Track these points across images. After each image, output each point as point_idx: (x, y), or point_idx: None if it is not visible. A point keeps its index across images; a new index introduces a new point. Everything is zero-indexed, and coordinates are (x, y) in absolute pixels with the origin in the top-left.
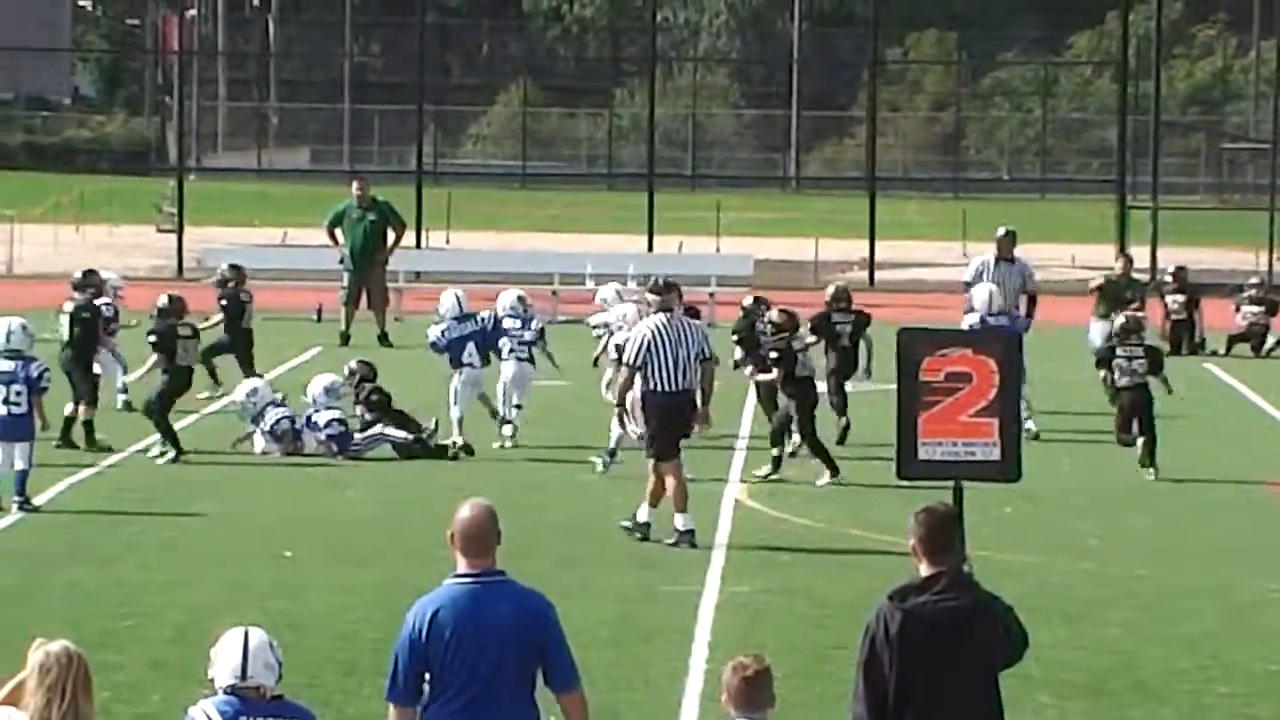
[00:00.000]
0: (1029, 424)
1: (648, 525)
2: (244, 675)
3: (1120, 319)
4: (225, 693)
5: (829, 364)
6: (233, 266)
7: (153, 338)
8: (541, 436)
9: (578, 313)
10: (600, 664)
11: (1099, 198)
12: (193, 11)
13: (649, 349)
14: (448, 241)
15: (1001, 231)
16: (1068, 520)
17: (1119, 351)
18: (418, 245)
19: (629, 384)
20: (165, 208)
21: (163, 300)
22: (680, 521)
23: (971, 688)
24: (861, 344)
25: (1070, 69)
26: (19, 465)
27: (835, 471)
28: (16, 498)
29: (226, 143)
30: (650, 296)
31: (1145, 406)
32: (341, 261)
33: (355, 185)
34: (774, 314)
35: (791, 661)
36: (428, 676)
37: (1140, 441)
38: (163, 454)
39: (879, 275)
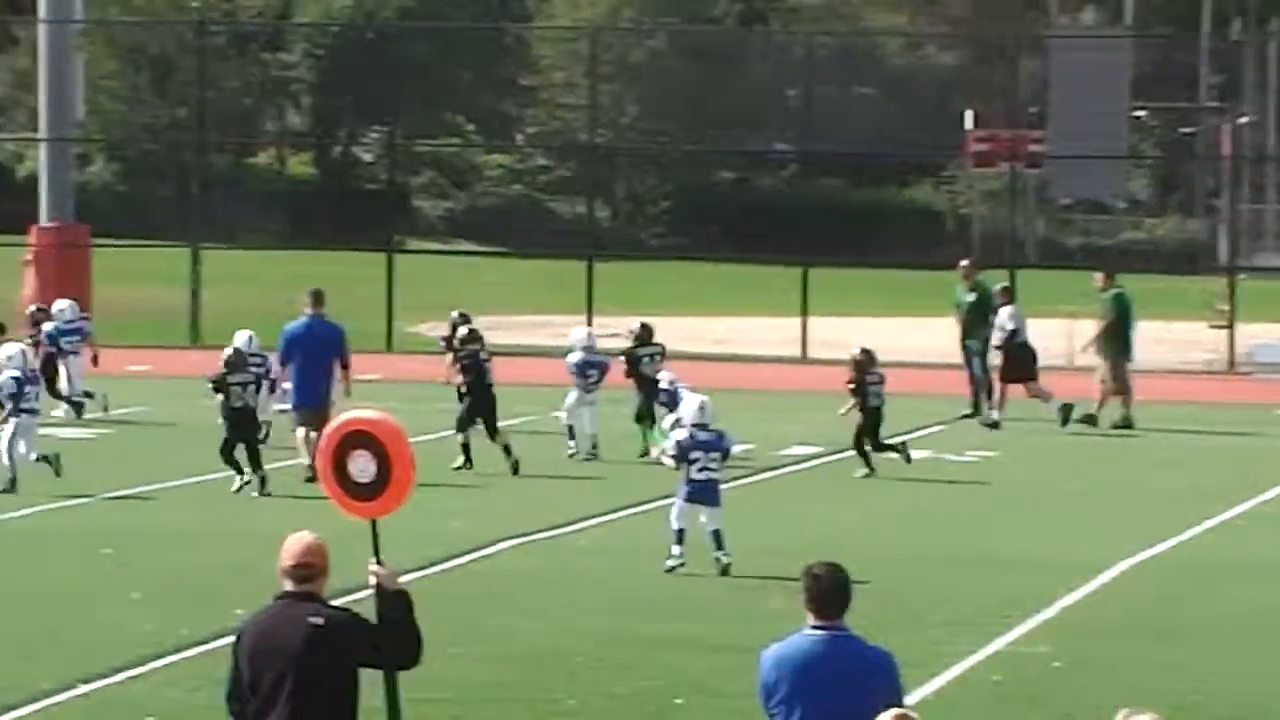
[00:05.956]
0: None
1: None
2: None
3: None
4: None
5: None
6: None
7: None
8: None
9: None
10: None
11: None
12: (1245, 119)
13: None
14: None
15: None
16: None
17: None
18: None
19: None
20: (1218, 305)
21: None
22: None
23: None
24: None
25: None
26: (711, 526)
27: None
28: (720, 554)
29: (1275, 244)
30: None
31: None
32: None
33: None
34: (856, 351)
35: None
36: None
37: None
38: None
39: None
